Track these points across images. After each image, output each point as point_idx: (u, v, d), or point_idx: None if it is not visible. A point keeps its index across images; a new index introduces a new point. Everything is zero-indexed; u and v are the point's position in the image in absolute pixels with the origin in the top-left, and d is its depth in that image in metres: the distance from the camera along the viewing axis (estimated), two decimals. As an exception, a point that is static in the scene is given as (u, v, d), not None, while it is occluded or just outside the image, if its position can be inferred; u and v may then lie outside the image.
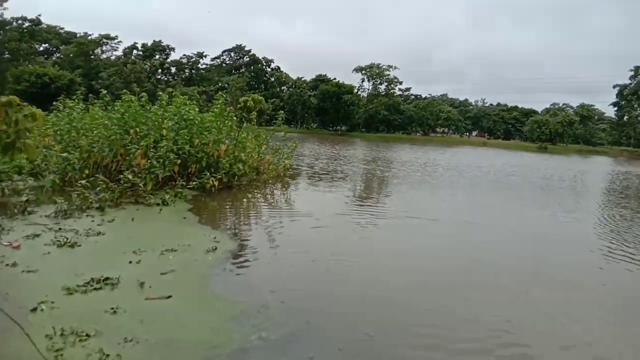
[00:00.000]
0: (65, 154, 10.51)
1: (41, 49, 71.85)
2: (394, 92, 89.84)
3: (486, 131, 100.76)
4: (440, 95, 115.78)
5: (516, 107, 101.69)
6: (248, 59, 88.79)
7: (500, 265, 6.96)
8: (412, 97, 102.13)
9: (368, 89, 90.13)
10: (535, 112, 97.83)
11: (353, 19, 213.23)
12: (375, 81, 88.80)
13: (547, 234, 9.65)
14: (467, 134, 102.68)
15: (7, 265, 5.18)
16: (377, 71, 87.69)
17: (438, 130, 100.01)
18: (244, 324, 4.20)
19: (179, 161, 10.75)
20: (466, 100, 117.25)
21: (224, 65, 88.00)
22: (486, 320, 4.80)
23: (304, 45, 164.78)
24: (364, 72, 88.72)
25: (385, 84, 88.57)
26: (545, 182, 21.13)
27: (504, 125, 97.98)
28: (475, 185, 17.64)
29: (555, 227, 10.54)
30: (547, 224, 10.88)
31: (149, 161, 10.17)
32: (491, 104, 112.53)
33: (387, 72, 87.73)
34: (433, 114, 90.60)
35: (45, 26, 69.94)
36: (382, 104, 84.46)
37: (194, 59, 78.07)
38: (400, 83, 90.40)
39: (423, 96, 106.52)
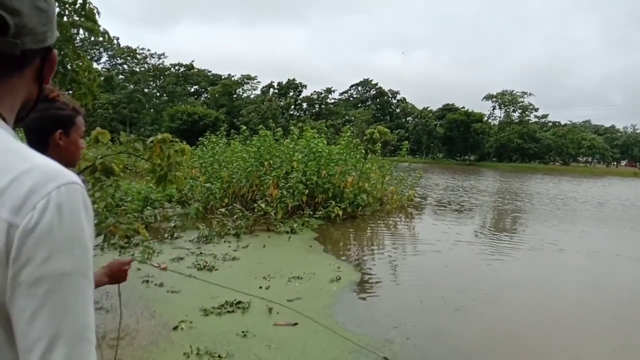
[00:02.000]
0: (208, 185, 11.60)
1: (192, 90, 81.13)
2: (529, 120, 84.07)
3: (638, 161, 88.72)
4: (583, 121, 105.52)
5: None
6: (374, 91, 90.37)
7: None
8: (550, 124, 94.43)
9: (500, 117, 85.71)
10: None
11: (475, 46, 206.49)
12: (508, 108, 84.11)
13: None
14: (615, 163, 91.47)
15: (155, 284, 5.77)
16: (509, 98, 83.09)
17: (580, 159, 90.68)
18: (367, 357, 4.12)
19: (307, 191, 11.19)
20: (613, 126, 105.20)
21: (351, 99, 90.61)
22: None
23: (428, 76, 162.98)
24: (494, 99, 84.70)
25: (519, 111, 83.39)
26: None
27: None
28: (609, 220, 15.51)
29: None
30: None
31: (280, 191, 10.75)
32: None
33: (520, 99, 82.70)
34: (574, 142, 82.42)
35: (196, 70, 79.07)
36: (515, 132, 79.39)
37: (323, 95, 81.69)
38: (536, 110, 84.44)
39: (562, 123, 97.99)
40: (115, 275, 1.88)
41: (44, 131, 1.61)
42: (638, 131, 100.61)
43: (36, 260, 0.65)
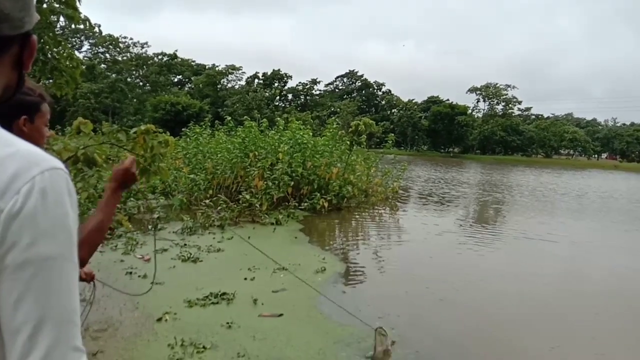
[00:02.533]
0: (192, 176, 11.50)
1: (175, 80, 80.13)
2: (512, 113, 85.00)
3: (618, 153, 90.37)
4: (565, 114, 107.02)
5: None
6: (360, 83, 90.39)
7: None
8: (533, 117, 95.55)
9: (483, 110, 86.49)
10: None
11: (461, 38, 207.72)
12: (492, 101, 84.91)
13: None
14: (596, 156, 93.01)
15: (139, 276, 5.73)
16: (493, 91, 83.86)
17: (562, 152, 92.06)
18: (351, 347, 4.15)
19: (292, 183, 11.18)
20: (594, 119, 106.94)
21: (336, 90, 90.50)
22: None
23: (413, 68, 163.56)
24: (478, 92, 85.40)
25: (503, 104, 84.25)
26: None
27: (639, 147, 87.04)
28: (587, 212, 15.84)
29: None
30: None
31: (265, 183, 10.72)
32: (624, 124, 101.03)
33: (504, 92, 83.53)
34: (556, 135, 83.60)
35: (180, 60, 78.07)
36: (499, 125, 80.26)
37: (308, 86, 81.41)
38: (519, 103, 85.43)
39: (545, 116, 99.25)
40: (125, 181, 1.84)
41: (9, 116, 1.55)
42: (618, 124, 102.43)
43: (21, 245, 0.66)
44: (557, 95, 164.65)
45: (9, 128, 1.56)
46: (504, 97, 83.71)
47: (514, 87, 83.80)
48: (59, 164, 0.71)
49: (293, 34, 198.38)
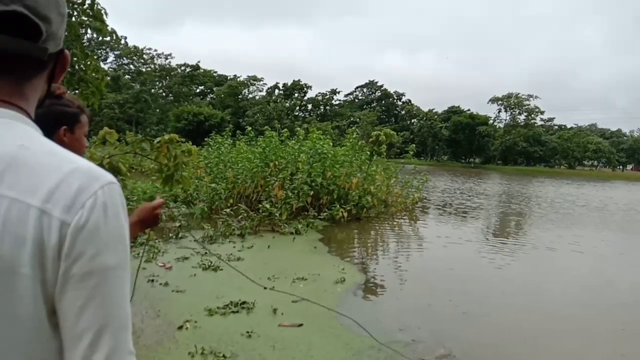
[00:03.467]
0: (213, 185, 11.63)
1: (198, 90, 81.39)
2: (535, 123, 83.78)
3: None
4: (589, 125, 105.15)
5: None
6: (380, 93, 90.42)
7: None
8: (556, 127, 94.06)
9: (505, 120, 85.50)
10: None
11: (480, 48, 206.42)
12: (514, 111, 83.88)
13: None
14: (621, 167, 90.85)
15: (160, 284, 5.79)
16: (515, 101, 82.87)
17: (586, 163, 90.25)
18: (371, 358, 4.11)
19: (312, 192, 11.19)
20: (619, 130, 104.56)
21: (356, 100, 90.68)
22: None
23: (433, 79, 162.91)
24: (500, 102, 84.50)
25: (525, 114, 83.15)
26: None
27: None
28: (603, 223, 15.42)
29: None
30: None
31: (285, 192, 10.75)
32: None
33: (526, 102, 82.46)
34: (580, 146, 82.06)
35: (202, 70, 79.33)
36: (521, 135, 79.19)
37: (328, 96, 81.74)
38: (542, 113, 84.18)
39: (568, 126, 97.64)
40: (147, 220, 1.82)
41: (49, 127, 1.62)
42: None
43: (86, 256, 0.70)
44: (580, 105, 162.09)
45: (50, 138, 1.63)
46: (526, 107, 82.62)
47: (536, 97, 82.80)
48: (114, 178, 0.76)
49: (312, 46, 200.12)
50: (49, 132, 1.62)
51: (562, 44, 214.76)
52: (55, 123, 1.64)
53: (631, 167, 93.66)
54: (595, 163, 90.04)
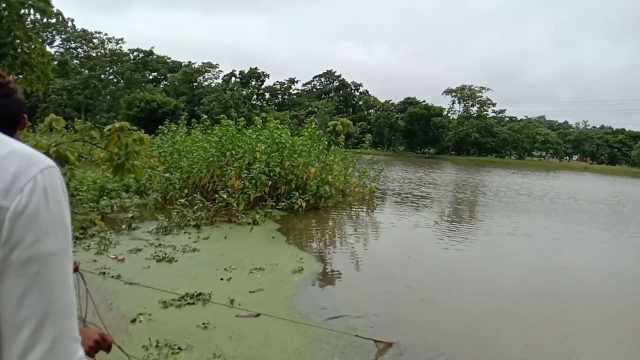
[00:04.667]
0: (167, 174, 11.34)
1: (151, 77, 78.77)
2: (487, 114, 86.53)
3: (588, 155, 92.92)
4: (538, 117, 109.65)
5: (623, 129, 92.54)
6: (337, 83, 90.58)
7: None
8: (507, 119, 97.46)
9: (459, 111, 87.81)
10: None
11: (433, 41, 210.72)
12: (467, 103, 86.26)
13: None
14: (567, 158, 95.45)
15: (112, 276, 5.62)
16: (468, 92, 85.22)
17: (535, 154, 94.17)
18: (329, 346, 4.16)
19: (270, 182, 11.13)
20: (566, 122, 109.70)
21: (314, 90, 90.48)
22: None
23: (390, 69, 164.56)
24: (454, 94, 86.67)
25: (478, 105, 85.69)
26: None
27: (608, 150, 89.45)
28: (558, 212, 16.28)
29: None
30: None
31: (242, 182, 10.64)
32: (594, 127, 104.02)
33: (479, 94, 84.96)
34: (529, 137, 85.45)
35: (156, 56, 76.82)
36: (474, 126, 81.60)
37: (286, 85, 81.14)
38: (494, 105, 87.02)
39: (518, 118, 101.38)
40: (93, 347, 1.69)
41: (15, 117, 1.54)
42: (589, 127, 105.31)
43: (26, 242, 0.68)
44: (529, 98, 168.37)
45: (14, 128, 1.54)
46: (479, 99, 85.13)
47: (488, 89, 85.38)
48: (53, 162, 0.74)
49: (267, 33, 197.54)
50: (15, 121, 1.53)
51: (510, 38, 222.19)
52: (20, 112, 1.56)
53: (576, 157, 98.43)
54: (544, 154, 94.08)
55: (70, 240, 0.75)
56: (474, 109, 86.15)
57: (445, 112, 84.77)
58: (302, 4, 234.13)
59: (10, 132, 1.55)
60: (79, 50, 69.64)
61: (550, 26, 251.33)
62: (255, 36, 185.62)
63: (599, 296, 6.68)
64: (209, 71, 77.53)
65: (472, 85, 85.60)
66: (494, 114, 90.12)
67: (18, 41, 5.66)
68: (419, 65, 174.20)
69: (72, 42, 69.16)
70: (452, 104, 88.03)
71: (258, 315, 4.72)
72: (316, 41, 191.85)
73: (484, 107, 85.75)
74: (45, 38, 62.25)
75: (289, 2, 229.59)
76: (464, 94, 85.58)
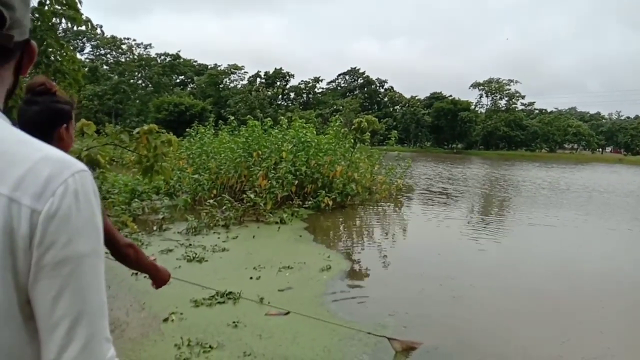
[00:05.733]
0: (196, 176, 11.51)
1: (178, 80, 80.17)
2: (516, 107, 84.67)
3: (622, 147, 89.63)
4: (568, 108, 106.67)
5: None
6: (362, 81, 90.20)
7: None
8: (536, 111, 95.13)
9: (487, 105, 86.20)
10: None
11: (452, 35, 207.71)
12: (495, 96, 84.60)
13: None
14: (600, 150, 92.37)
15: (144, 277, 5.71)
16: (496, 86, 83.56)
17: (566, 146, 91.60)
18: (360, 344, 4.14)
19: (296, 181, 11.17)
20: (598, 113, 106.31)
21: (338, 88, 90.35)
22: None
23: (415, 65, 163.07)
24: (481, 87, 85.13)
25: (506, 98, 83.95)
26: None
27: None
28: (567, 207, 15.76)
29: None
30: None
31: (269, 182, 10.71)
32: (628, 117, 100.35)
33: (507, 87, 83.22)
34: (560, 129, 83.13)
35: (182, 60, 78.13)
36: (502, 120, 79.96)
37: (310, 84, 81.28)
38: (523, 97, 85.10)
39: (548, 110, 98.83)
40: (160, 280, 2.30)
41: (49, 124, 1.66)
42: (622, 117, 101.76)
43: (59, 244, 0.70)
44: (556, 89, 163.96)
45: (50, 135, 1.64)
46: (507, 91, 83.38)
47: (516, 81, 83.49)
48: (84, 166, 0.76)
49: (285, 33, 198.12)
50: (47, 128, 1.63)
51: (532, 30, 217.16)
52: (54, 120, 1.67)
53: (610, 149, 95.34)
54: (575, 146, 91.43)
55: (102, 242, 0.77)
56: (502, 102, 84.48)
57: (473, 106, 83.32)
58: (317, 3, 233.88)
59: (46, 138, 1.63)
60: (109, 56, 71.53)
61: (575, 17, 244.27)
62: (272, 36, 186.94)
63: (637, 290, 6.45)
64: (235, 73, 78.36)
65: (499, 78, 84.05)
66: (522, 107, 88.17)
67: (50, 49, 5.84)
68: (442, 59, 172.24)
69: (101, 48, 71.03)
70: (480, 97, 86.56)
71: (288, 313, 4.75)
72: (333, 40, 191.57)
73: (513, 100, 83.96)
74: (76, 45, 64.04)
75: (305, 1, 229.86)
76: (492, 87, 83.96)
